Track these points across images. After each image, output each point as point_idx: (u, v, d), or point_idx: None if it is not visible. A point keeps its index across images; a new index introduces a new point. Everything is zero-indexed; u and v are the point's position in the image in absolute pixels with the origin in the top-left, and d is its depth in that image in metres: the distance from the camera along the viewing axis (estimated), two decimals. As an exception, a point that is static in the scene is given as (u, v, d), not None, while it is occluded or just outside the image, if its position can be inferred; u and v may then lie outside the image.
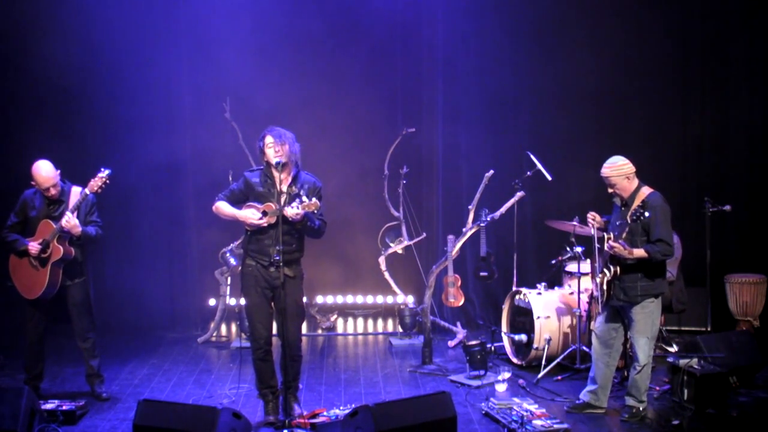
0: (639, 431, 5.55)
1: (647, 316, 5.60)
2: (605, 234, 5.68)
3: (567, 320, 6.83)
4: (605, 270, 5.66)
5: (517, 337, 7.00)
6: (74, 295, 6.13)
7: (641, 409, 5.69)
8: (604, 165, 5.66)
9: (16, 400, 5.15)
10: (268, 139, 5.52)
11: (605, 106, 8.51)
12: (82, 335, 6.20)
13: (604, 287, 5.68)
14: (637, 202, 5.51)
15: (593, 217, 5.82)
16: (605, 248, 5.59)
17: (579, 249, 6.74)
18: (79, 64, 8.13)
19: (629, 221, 5.46)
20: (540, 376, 6.58)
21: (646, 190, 5.62)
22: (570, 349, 6.72)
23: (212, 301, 8.70)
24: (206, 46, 8.39)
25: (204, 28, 8.37)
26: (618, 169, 5.61)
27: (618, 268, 5.59)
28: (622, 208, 5.64)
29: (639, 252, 5.49)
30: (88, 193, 5.94)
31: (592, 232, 5.84)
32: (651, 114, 8.50)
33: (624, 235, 5.51)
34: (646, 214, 5.39)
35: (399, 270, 8.29)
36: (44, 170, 5.92)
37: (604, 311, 5.83)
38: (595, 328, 5.95)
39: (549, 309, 6.84)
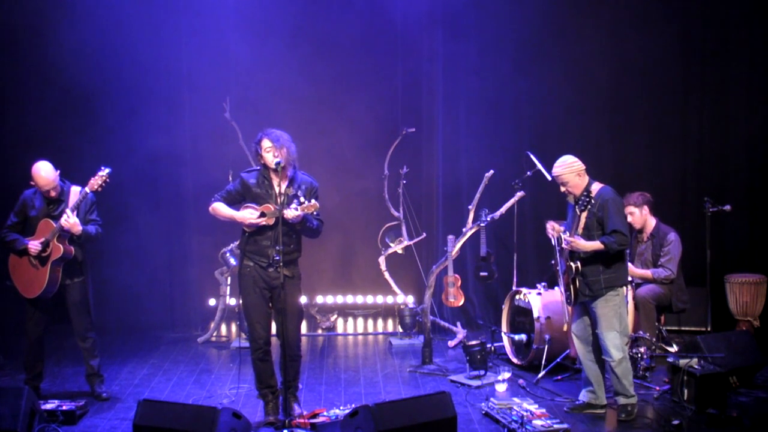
0: (639, 431, 5.55)
1: (612, 310, 5.63)
2: (562, 234, 5.75)
3: (565, 321, 6.81)
4: (568, 267, 5.70)
5: (517, 337, 7.00)
6: (73, 294, 6.12)
7: (634, 403, 5.70)
8: (555, 165, 5.75)
9: (16, 400, 5.14)
10: (266, 143, 5.50)
11: (605, 106, 8.52)
12: (81, 335, 6.20)
13: (570, 286, 5.72)
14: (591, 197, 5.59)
15: (552, 227, 5.93)
16: (563, 246, 5.67)
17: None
18: (79, 65, 8.11)
19: (578, 212, 5.57)
20: (540, 376, 6.58)
21: (596, 186, 5.70)
22: (570, 350, 6.71)
23: (212, 301, 8.71)
24: (207, 46, 8.40)
25: (205, 27, 8.38)
26: (569, 167, 5.68)
27: (579, 264, 5.65)
28: (575, 206, 5.68)
29: (595, 244, 5.56)
30: (88, 191, 5.93)
31: (553, 243, 5.93)
32: (651, 114, 8.51)
33: (580, 229, 5.59)
34: (593, 201, 5.52)
35: (399, 270, 8.29)
36: (44, 171, 5.92)
37: (575, 310, 5.87)
38: (572, 329, 5.97)
39: (549, 309, 6.84)
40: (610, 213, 5.58)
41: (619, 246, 5.56)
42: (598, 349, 5.81)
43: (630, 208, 7.03)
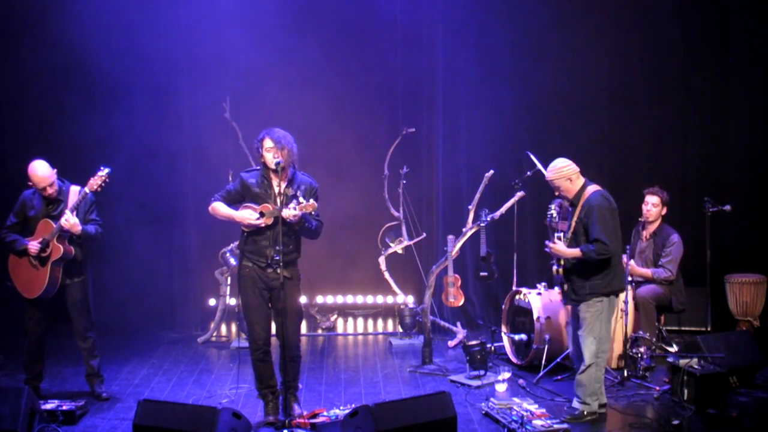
0: (639, 431, 5.55)
1: (594, 316, 5.60)
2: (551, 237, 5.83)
3: (567, 320, 6.82)
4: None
5: (517, 337, 7.00)
6: (73, 294, 6.12)
7: (585, 412, 5.62)
8: (547, 169, 5.72)
9: (16, 400, 5.14)
10: (268, 143, 5.48)
11: (605, 106, 8.52)
12: (81, 335, 6.20)
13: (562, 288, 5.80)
14: (582, 202, 5.58)
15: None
16: (546, 250, 5.74)
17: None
18: (78, 64, 8.12)
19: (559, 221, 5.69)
20: (540, 376, 6.58)
21: (590, 190, 5.65)
22: (570, 349, 6.71)
23: (212, 301, 8.71)
24: (207, 45, 8.39)
25: (205, 27, 8.37)
26: (558, 171, 5.64)
27: (561, 269, 5.68)
28: (572, 209, 5.70)
29: (574, 251, 5.56)
30: (87, 191, 5.93)
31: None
32: (651, 114, 8.50)
33: (569, 234, 5.60)
34: (576, 218, 5.54)
35: (399, 270, 8.29)
36: (40, 170, 5.92)
37: (572, 311, 5.89)
38: (568, 329, 5.97)
39: (549, 309, 6.84)
40: (594, 221, 5.50)
41: (598, 255, 5.49)
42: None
43: (655, 199, 7.04)
